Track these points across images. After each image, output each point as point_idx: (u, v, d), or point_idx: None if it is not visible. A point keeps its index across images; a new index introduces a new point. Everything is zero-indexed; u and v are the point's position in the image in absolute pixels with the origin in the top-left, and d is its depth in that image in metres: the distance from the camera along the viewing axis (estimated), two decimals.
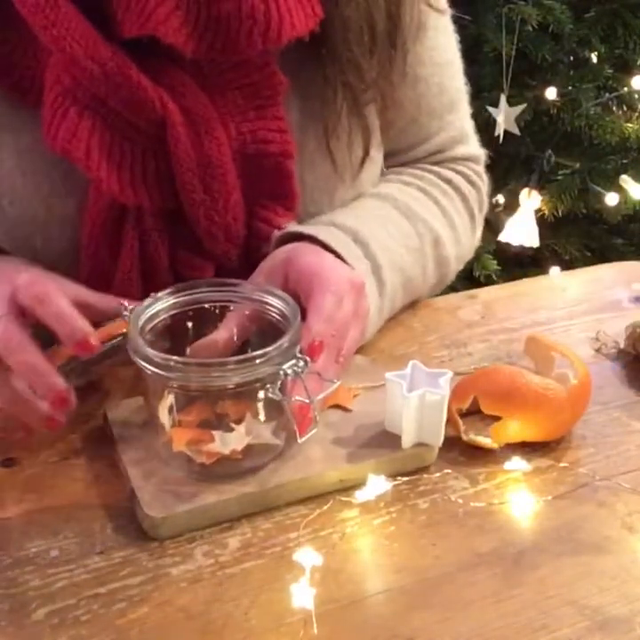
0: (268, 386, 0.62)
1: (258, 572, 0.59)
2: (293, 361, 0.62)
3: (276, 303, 0.68)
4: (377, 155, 0.89)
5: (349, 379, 0.74)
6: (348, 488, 0.65)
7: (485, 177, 0.99)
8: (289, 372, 0.62)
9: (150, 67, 0.73)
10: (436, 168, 0.95)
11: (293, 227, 0.80)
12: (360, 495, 0.64)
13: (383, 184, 0.92)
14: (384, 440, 0.68)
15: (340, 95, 0.81)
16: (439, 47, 0.90)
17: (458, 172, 0.95)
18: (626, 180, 2.11)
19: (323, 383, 0.65)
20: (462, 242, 0.93)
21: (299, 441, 0.64)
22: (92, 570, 0.59)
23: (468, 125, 0.98)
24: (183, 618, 0.55)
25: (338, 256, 0.77)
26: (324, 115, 0.82)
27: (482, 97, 2.04)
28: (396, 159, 0.95)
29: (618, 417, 0.74)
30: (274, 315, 0.68)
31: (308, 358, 0.63)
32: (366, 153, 0.85)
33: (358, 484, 0.65)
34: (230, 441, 0.63)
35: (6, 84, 0.75)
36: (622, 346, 0.83)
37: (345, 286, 0.72)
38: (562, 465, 0.68)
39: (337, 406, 0.72)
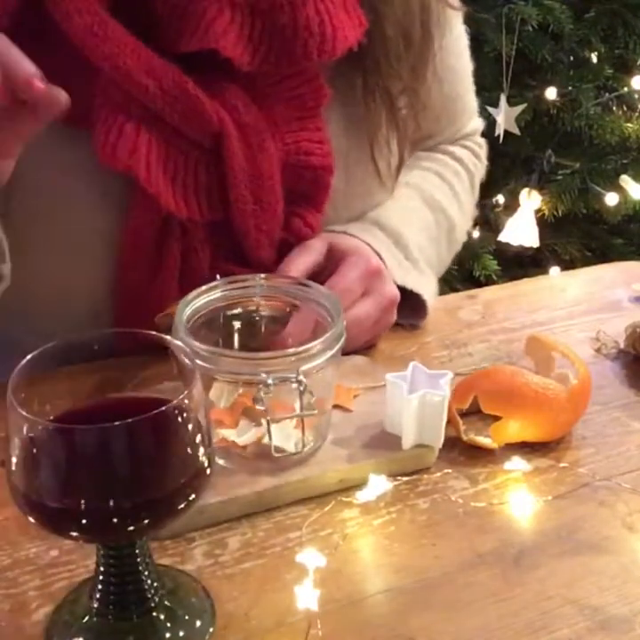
0: (262, 392, 0.62)
1: (258, 571, 0.59)
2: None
3: (322, 301, 0.69)
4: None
5: (349, 379, 0.75)
6: (348, 487, 0.65)
7: (483, 143, 1.08)
8: (270, 382, 0.61)
9: (202, 80, 0.72)
10: (450, 147, 1.01)
11: (344, 228, 0.85)
12: (360, 495, 0.64)
13: (409, 170, 0.96)
14: (384, 441, 0.68)
15: (379, 102, 0.82)
16: (460, 35, 0.96)
17: (466, 148, 1.03)
18: (626, 180, 2.11)
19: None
20: (468, 217, 1.02)
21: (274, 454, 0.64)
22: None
23: (475, 100, 1.05)
24: None
25: (381, 260, 0.82)
26: (367, 124, 0.83)
27: (482, 97, 2.04)
28: (426, 143, 0.99)
29: (618, 417, 0.74)
30: (321, 312, 0.69)
31: (303, 378, 0.62)
32: (402, 160, 0.88)
33: (358, 485, 0.65)
34: (243, 434, 0.64)
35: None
36: (622, 346, 0.83)
37: (360, 269, 0.78)
38: (562, 465, 0.68)
39: (337, 407, 0.72)
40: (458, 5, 0.91)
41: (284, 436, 0.64)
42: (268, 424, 0.62)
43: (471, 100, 1.03)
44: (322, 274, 0.80)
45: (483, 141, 1.08)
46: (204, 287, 0.69)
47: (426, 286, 0.87)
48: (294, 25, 0.71)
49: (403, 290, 0.83)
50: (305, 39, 0.72)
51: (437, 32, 0.86)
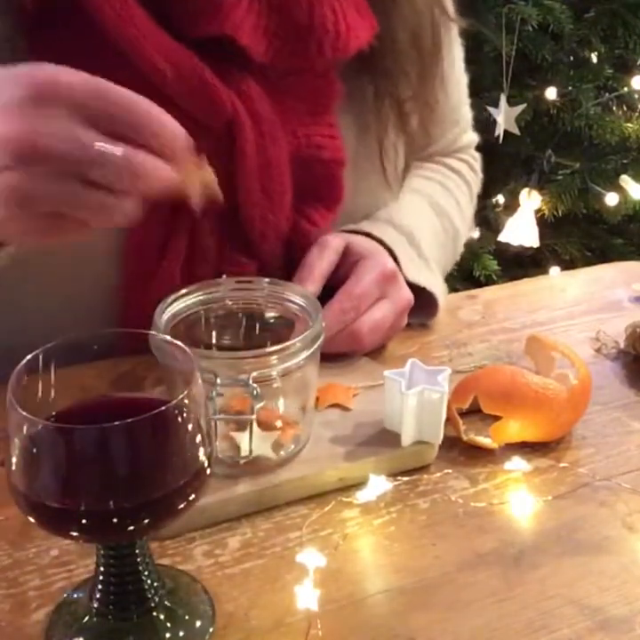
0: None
1: (258, 572, 0.59)
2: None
3: (299, 301, 0.69)
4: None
5: (349, 378, 0.75)
6: (348, 487, 0.65)
7: (478, 156, 1.10)
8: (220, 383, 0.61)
9: (216, 67, 0.72)
10: (447, 160, 1.02)
11: (357, 226, 0.85)
12: (360, 495, 0.64)
13: (413, 179, 0.97)
14: (384, 438, 0.68)
15: (388, 108, 0.83)
16: (459, 47, 0.97)
17: (462, 161, 1.04)
18: (626, 180, 2.11)
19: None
20: (467, 224, 1.04)
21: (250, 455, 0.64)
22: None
23: (470, 113, 1.06)
24: None
25: (394, 257, 0.83)
26: (376, 128, 0.84)
27: (482, 97, 2.05)
28: (422, 153, 0.99)
29: (618, 417, 0.74)
30: (296, 313, 0.69)
31: (252, 383, 0.61)
32: (408, 164, 0.89)
33: (358, 483, 0.65)
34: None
35: None
36: (622, 346, 0.83)
37: (377, 272, 0.79)
38: (562, 465, 0.68)
39: (336, 405, 0.72)
40: (456, 18, 0.91)
41: (259, 441, 0.64)
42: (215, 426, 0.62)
43: (466, 113, 1.04)
44: (337, 273, 0.80)
45: (478, 155, 1.09)
46: (184, 290, 0.69)
47: (437, 285, 0.87)
48: (310, 22, 0.73)
49: (415, 287, 0.84)
50: (320, 36, 0.73)
51: (446, 40, 0.87)
